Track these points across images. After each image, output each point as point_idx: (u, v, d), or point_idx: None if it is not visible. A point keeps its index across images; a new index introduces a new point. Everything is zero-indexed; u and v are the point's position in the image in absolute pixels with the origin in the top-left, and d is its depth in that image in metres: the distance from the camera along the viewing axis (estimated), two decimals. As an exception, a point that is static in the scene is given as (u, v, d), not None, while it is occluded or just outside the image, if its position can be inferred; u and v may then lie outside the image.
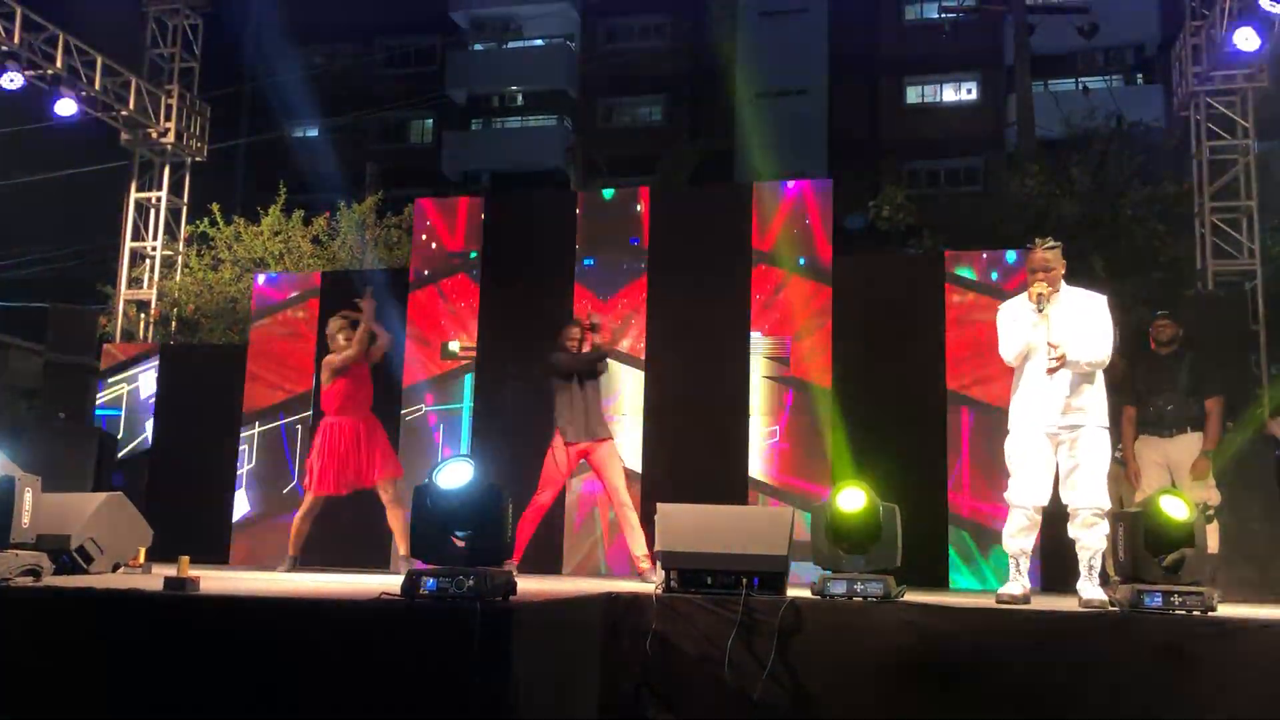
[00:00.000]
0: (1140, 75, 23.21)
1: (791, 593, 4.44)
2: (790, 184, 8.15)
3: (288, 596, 4.13)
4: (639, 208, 8.17)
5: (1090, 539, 4.81)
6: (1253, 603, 5.49)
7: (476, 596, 3.61)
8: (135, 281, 11.85)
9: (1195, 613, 4.06)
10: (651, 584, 5.86)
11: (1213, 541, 6.11)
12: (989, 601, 4.76)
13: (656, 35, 26.55)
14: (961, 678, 4.06)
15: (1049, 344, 4.84)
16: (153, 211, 11.89)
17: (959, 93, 25.04)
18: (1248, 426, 6.99)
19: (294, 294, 8.83)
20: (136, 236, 11.87)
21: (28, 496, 4.48)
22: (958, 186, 23.01)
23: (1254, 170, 9.29)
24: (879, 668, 4.13)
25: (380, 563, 7.64)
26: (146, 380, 9.39)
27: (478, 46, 27.62)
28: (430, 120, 27.64)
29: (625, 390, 7.82)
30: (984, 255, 7.65)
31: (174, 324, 12.37)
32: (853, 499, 4.59)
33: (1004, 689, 4.02)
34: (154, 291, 11.81)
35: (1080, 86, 17.91)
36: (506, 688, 3.43)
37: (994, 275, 7.50)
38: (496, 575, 3.78)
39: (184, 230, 12.28)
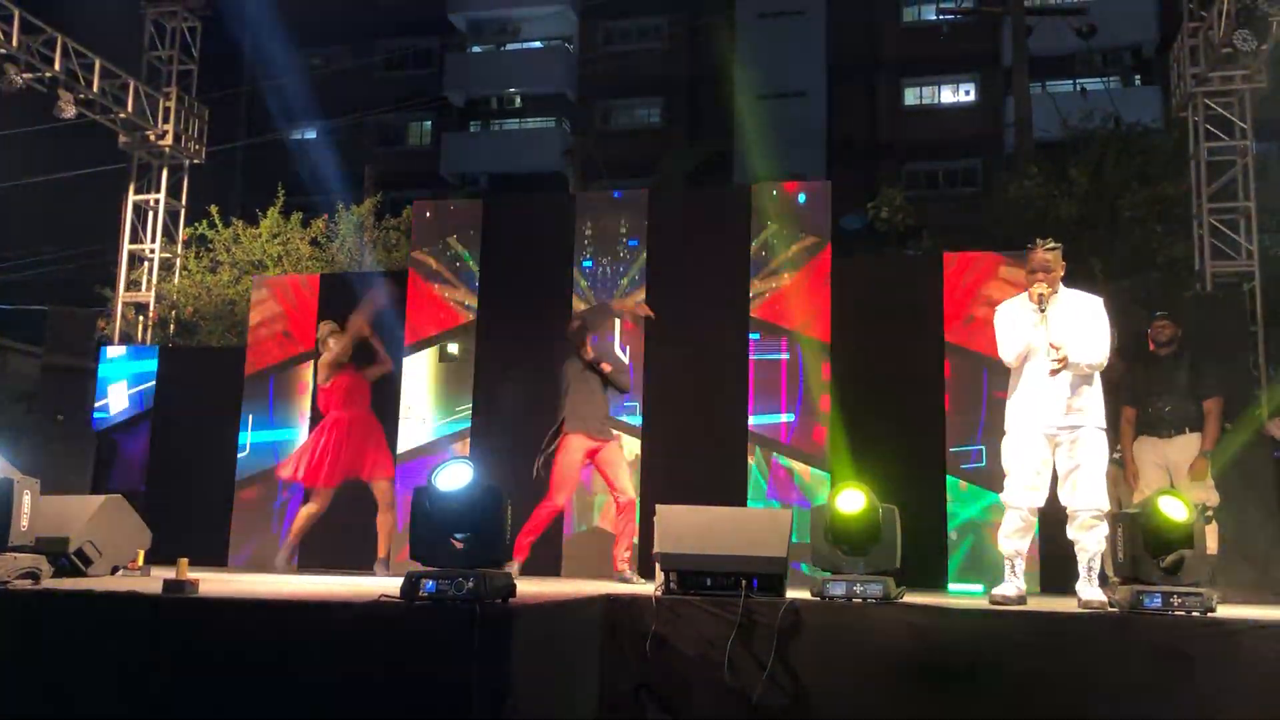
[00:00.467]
0: (1138, 76, 23.24)
1: (791, 594, 4.44)
2: (789, 185, 8.15)
3: (287, 599, 4.13)
4: (638, 209, 8.17)
5: (1089, 541, 4.82)
6: (1252, 604, 5.49)
7: (476, 598, 3.61)
8: (134, 284, 11.84)
9: (1194, 614, 4.07)
10: (629, 584, 5.88)
11: (1212, 543, 6.11)
12: (988, 603, 4.76)
13: (655, 37, 26.57)
14: (961, 679, 4.06)
15: (1051, 345, 4.85)
16: (151, 214, 11.88)
17: (957, 94, 25.07)
18: (1246, 427, 6.99)
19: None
20: (135, 239, 11.87)
21: (26, 499, 4.48)
22: (956, 188, 23.04)
23: (1252, 171, 9.30)
24: (879, 669, 4.13)
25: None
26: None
27: (476, 49, 27.64)
28: (429, 122, 27.65)
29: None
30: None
31: (172, 326, 12.37)
32: (852, 500, 4.59)
33: (1004, 690, 4.02)
34: (152, 294, 11.80)
35: (1078, 88, 17.94)
36: (506, 690, 3.43)
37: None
38: (496, 577, 3.78)
39: (182, 233, 12.28)
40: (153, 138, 11.57)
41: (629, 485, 6.56)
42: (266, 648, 3.64)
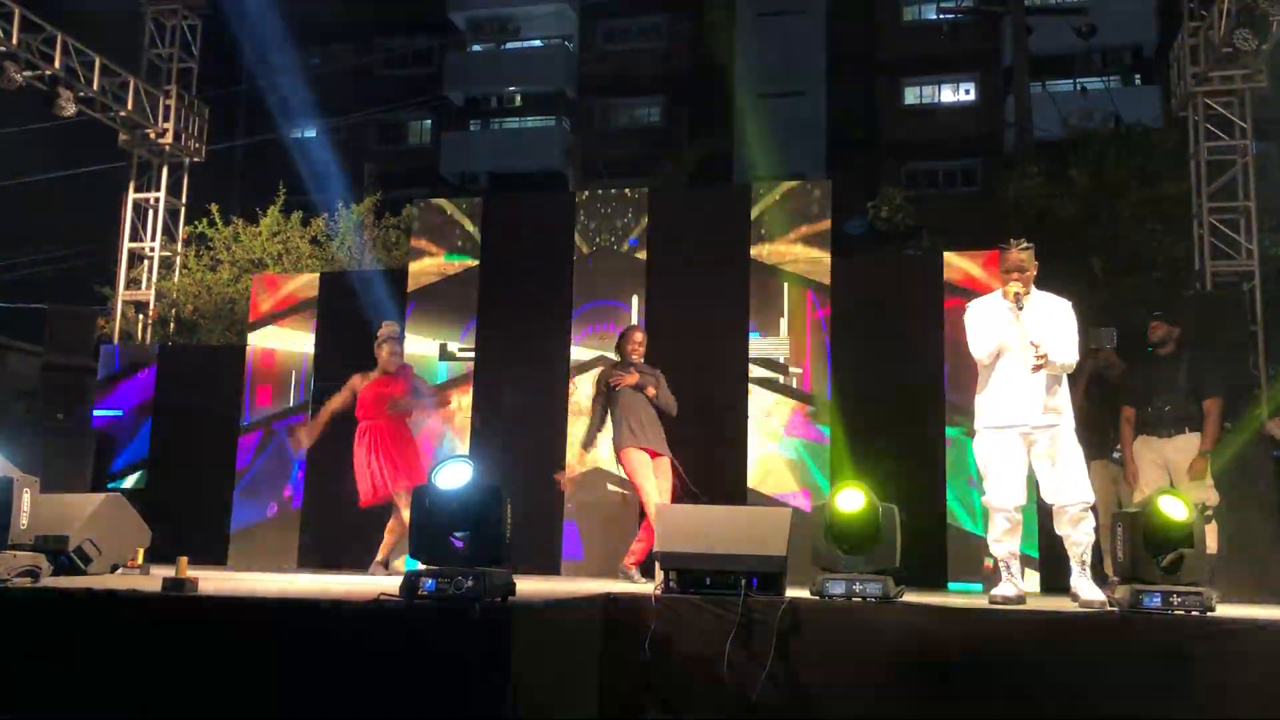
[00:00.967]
0: (1138, 76, 23.24)
1: (790, 593, 4.44)
2: (788, 185, 8.15)
3: (287, 597, 4.13)
4: (638, 208, 8.17)
5: (1079, 534, 4.83)
6: (1251, 603, 5.50)
7: (475, 597, 3.61)
8: (133, 282, 11.84)
9: (1194, 613, 4.07)
10: (631, 583, 5.88)
11: (1211, 542, 6.10)
12: (988, 603, 4.76)
13: (655, 36, 26.57)
14: (960, 678, 4.07)
15: (1032, 343, 4.85)
16: (151, 212, 11.88)
17: (957, 93, 25.07)
18: (1246, 427, 6.99)
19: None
20: (135, 237, 11.87)
21: (26, 497, 4.48)
22: (956, 187, 23.05)
23: (1252, 171, 9.29)
24: (878, 668, 4.13)
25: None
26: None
27: (476, 47, 27.63)
28: (428, 121, 27.65)
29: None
30: None
31: (172, 325, 12.36)
32: (852, 499, 4.59)
33: (1003, 689, 4.02)
34: (152, 292, 11.80)
35: (1078, 87, 17.93)
36: (505, 689, 3.43)
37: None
38: (495, 576, 3.79)
39: (182, 231, 12.28)
40: (153, 136, 11.57)
41: (658, 492, 6.57)
42: (266, 646, 3.64)
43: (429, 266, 8.41)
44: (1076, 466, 4.87)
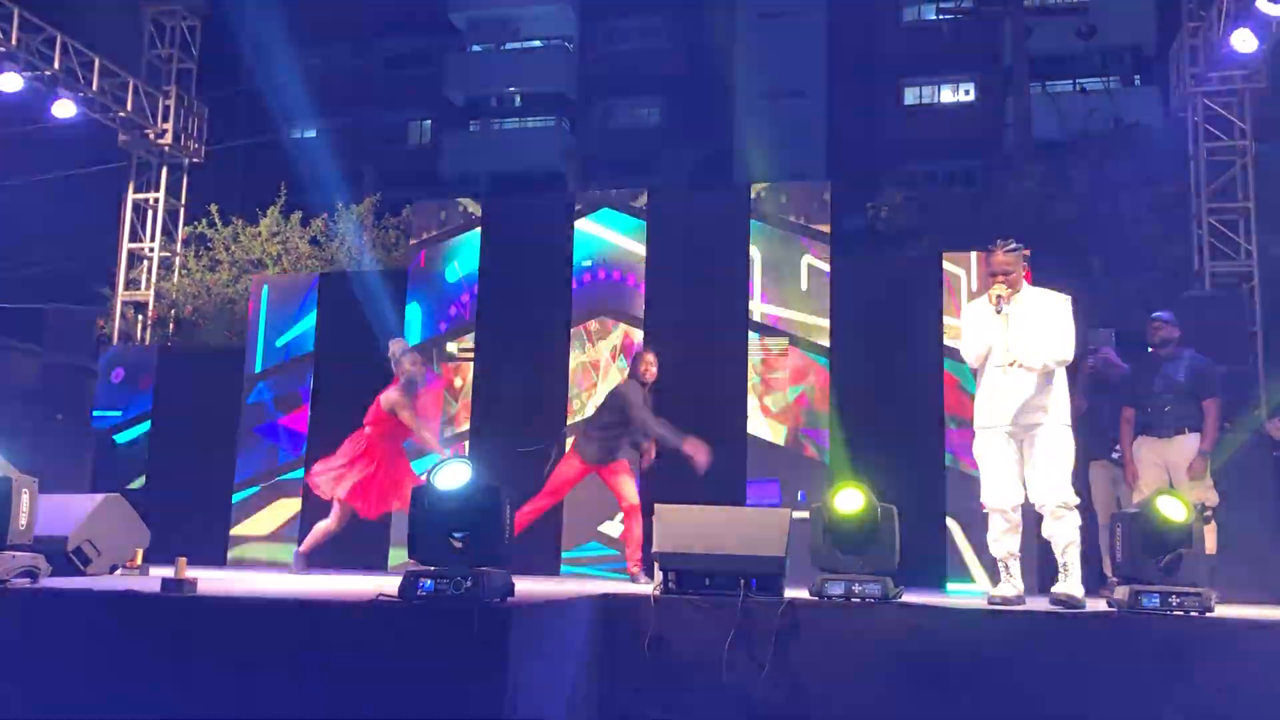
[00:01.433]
0: (1138, 77, 23.20)
1: (789, 594, 4.44)
2: (788, 185, 8.15)
3: (285, 598, 4.13)
4: (637, 209, 8.17)
5: (1061, 533, 4.80)
6: (1250, 603, 5.49)
7: (474, 598, 3.61)
8: (133, 283, 11.84)
9: (1193, 613, 4.07)
10: (644, 586, 5.88)
11: (1210, 542, 6.10)
12: (986, 603, 4.76)
13: (655, 37, 26.53)
14: (959, 678, 4.07)
15: (1009, 358, 4.86)
16: (150, 213, 11.89)
17: (957, 94, 25.05)
18: (1245, 427, 6.99)
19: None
20: (134, 238, 11.87)
21: (25, 498, 4.48)
22: (956, 188, 23.01)
23: (1251, 171, 9.30)
24: (877, 668, 4.13)
25: (377, 564, 7.64)
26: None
27: (476, 48, 27.60)
28: (428, 122, 27.63)
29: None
30: None
31: (172, 325, 12.36)
32: (851, 500, 4.59)
33: (1002, 690, 4.02)
34: (151, 293, 11.80)
35: (1078, 88, 17.92)
36: (504, 689, 3.42)
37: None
38: (494, 576, 3.78)
39: (182, 231, 12.28)
40: (152, 136, 11.57)
41: (632, 492, 6.57)
42: (264, 647, 3.64)
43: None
44: (1056, 466, 4.82)
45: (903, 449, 7.24)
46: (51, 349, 9.93)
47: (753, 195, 8.01)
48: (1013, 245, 5.02)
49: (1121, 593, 4.26)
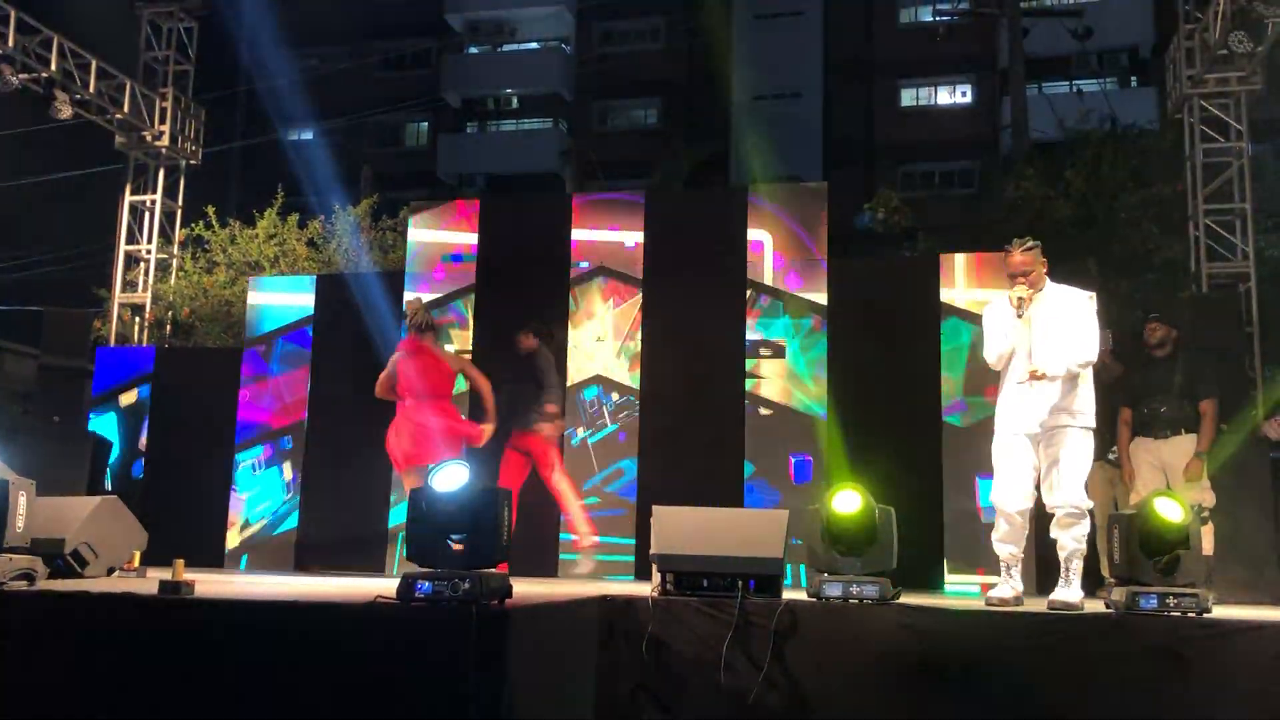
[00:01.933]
0: (1134, 78, 23.25)
1: (787, 595, 4.44)
2: (785, 186, 8.16)
3: (282, 600, 4.13)
4: (635, 210, 8.18)
5: (1066, 539, 4.77)
6: (1247, 604, 5.51)
7: (472, 600, 3.61)
8: (130, 285, 11.84)
9: (1190, 614, 4.07)
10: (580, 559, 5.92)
11: (1208, 543, 6.12)
12: (985, 604, 4.76)
13: (651, 38, 26.56)
14: (958, 680, 4.07)
15: (1030, 369, 4.80)
16: (147, 214, 11.88)
17: (954, 96, 25.08)
18: (1242, 428, 7.00)
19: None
20: (131, 240, 11.86)
21: (22, 500, 4.47)
22: (953, 189, 23.05)
23: (1248, 172, 9.32)
24: (875, 670, 4.13)
25: (377, 567, 7.64)
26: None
27: (473, 49, 27.63)
28: (425, 123, 27.63)
29: (620, 390, 7.83)
30: None
31: (169, 327, 12.35)
32: (848, 501, 4.58)
33: (1000, 691, 4.02)
34: (149, 295, 11.79)
35: (1074, 89, 17.97)
36: (502, 691, 3.42)
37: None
38: (492, 578, 3.78)
39: (179, 233, 12.27)
40: (149, 138, 11.57)
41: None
42: (262, 649, 3.63)
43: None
44: (1070, 470, 4.78)
45: (901, 449, 7.24)
46: (48, 351, 9.90)
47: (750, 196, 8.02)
48: (1030, 244, 4.95)
49: (1119, 594, 4.26)
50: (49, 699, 3.69)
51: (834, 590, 4.40)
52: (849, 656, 4.16)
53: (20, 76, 9.97)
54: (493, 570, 3.87)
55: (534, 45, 27.46)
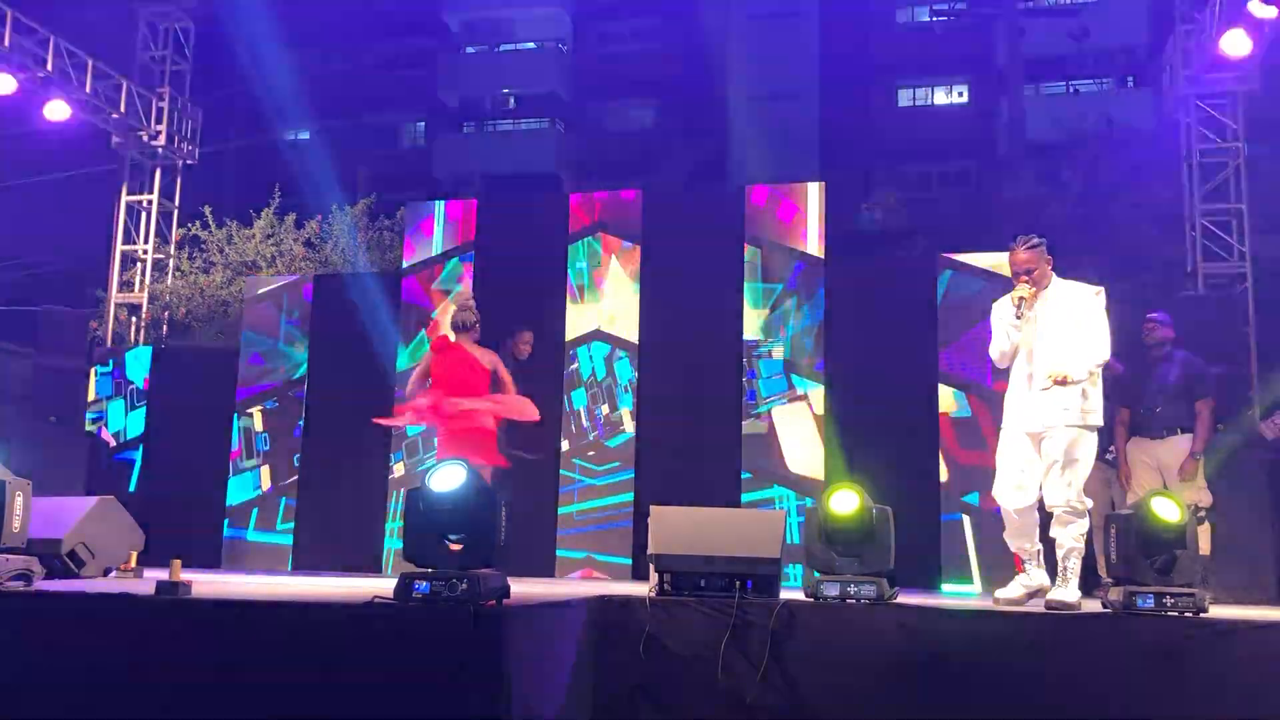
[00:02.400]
0: (1131, 79, 23.25)
1: (784, 595, 4.44)
2: (783, 187, 8.16)
3: (280, 600, 4.12)
4: (633, 210, 8.18)
5: (1063, 537, 4.76)
6: (1244, 604, 5.51)
7: (469, 600, 3.61)
8: (126, 285, 11.82)
9: (1187, 614, 4.07)
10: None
11: (1204, 543, 6.12)
12: (982, 603, 4.77)
13: (648, 39, 26.53)
14: (955, 680, 4.07)
15: (1051, 374, 4.75)
16: (144, 214, 11.86)
17: (951, 96, 25.08)
18: (1238, 428, 7.01)
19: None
20: (128, 239, 11.84)
21: (19, 500, 4.47)
22: (950, 189, 23.05)
23: (1244, 173, 9.33)
24: (872, 670, 4.13)
25: (373, 566, 7.64)
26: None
27: (470, 50, 27.59)
28: (422, 123, 27.60)
29: (620, 391, 7.83)
30: None
31: (165, 327, 12.33)
32: (846, 501, 4.58)
33: (997, 690, 4.02)
34: (145, 294, 11.77)
35: (1071, 89, 17.98)
36: (499, 691, 3.42)
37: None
38: (489, 578, 3.78)
39: (175, 233, 12.25)
40: (145, 138, 11.55)
41: None
42: (259, 649, 3.63)
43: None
44: (1070, 469, 4.76)
45: (899, 450, 7.25)
46: (45, 351, 9.88)
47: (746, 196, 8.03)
48: (1034, 241, 4.89)
49: (1116, 593, 4.26)
50: (47, 699, 3.68)
51: (831, 590, 4.40)
52: (846, 657, 4.16)
53: (17, 76, 9.95)
54: (490, 570, 3.87)
55: (531, 45, 27.43)
